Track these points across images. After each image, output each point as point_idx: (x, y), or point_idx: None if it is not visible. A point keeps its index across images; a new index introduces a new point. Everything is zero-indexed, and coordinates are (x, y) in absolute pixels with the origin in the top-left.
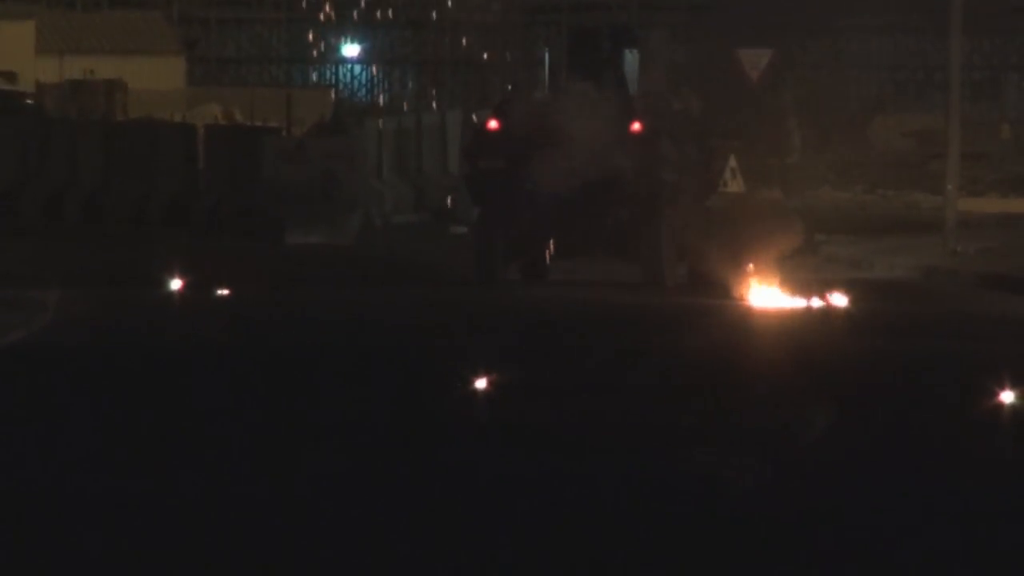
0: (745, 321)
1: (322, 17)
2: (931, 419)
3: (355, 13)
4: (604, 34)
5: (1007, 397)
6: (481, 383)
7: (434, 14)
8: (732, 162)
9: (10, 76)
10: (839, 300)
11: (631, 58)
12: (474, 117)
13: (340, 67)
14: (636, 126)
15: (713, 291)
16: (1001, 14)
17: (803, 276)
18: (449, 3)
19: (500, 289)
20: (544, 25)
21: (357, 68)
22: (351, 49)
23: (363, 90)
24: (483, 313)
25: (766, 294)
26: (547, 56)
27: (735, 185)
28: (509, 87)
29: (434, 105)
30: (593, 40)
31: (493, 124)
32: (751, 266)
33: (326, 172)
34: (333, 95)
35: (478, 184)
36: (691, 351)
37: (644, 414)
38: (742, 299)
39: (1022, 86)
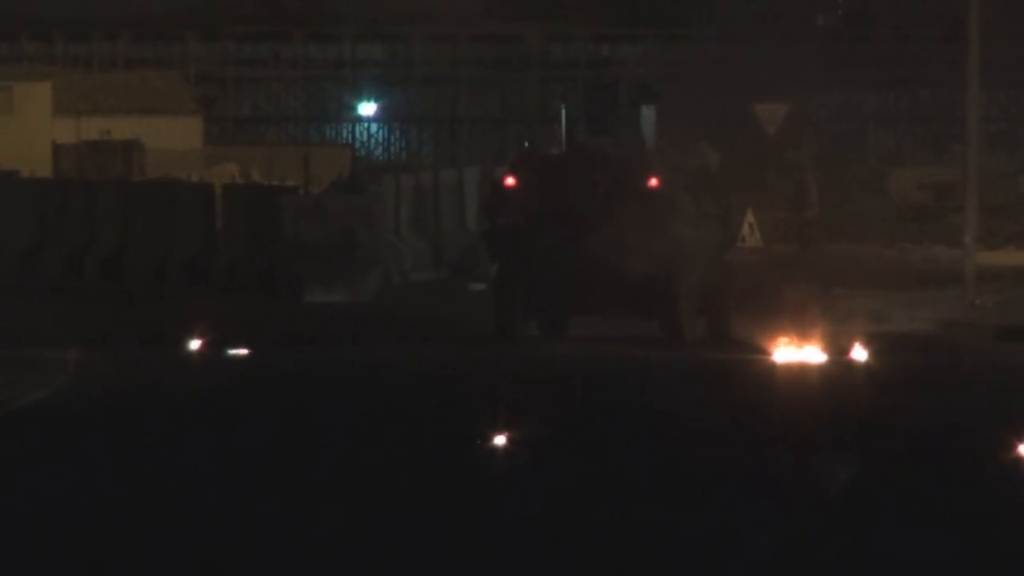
0: (765, 377)
1: (338, 75)
2: (957, 472)
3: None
4: (621, 90)
5: None
6: (502, 439)
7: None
8: (750, 217)
9: None
10: (860, 354)
11: (648, 113)
12: (492, 174)
13: (357, 125)
14: (654, 181)
15: (732, 347)
16: (1017, 65)
17: (823, 330)
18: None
19: (520, 346)
20: (560, 81)
21: (374, 126)
22: (368, 107)
23: (380, 148)
24: (504, 370)
25: (787, 350)
26: (564, 112)
27: (753, 240)
28: (526, 144)
29: (452, 162)
30: (610, 96)
31: (510, 181)
32: (771, 321)
33: (345, 230)
34: (350, 153)
35: (496, 241)
36: (715, 407)
37: (673, 468)
38: (762, 355)
39: None
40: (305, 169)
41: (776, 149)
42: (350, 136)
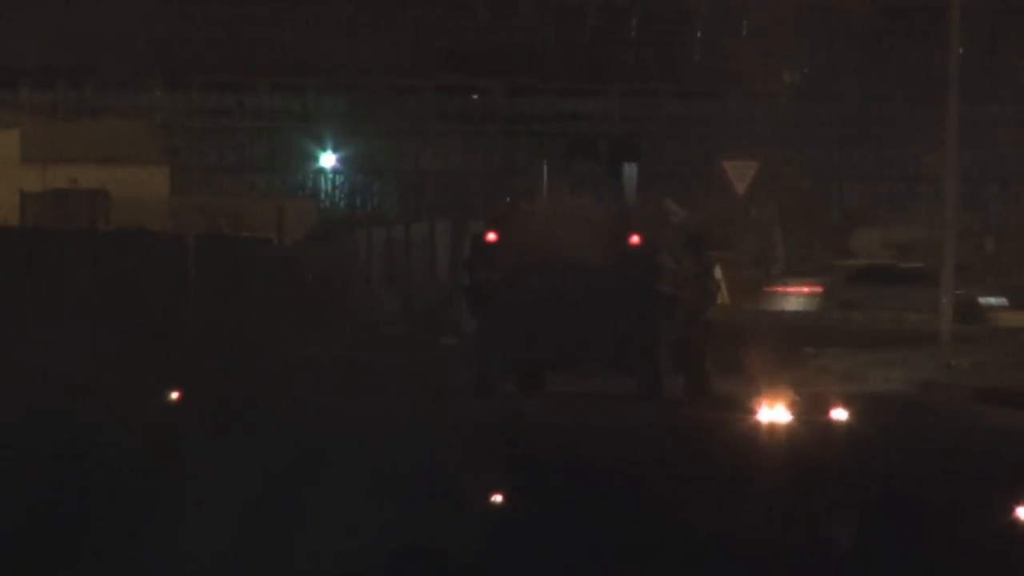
0: (748, 436)
1: (302, 127)
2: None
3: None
4: (603, 145)
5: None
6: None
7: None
8: (718, 273)
9: None
10: (840, 415)
11: (629, 170)
12: (468, 228)
13: (322, 176)
14: (634, 239)
15: (711, 404)
16: (977, 126)
17: (799, 389)
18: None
19: (499, 401)
20: (525, 135)
21: (339, 177)
22: (328, 158)
23: (343, 199)
24: (484, 426)
25: (765, 408)
26: (545, 167)
27: (720, 297)
28: (507, 199)
29: (416, 214)
30: (593, 151)
31: (491, 236)
32: (746, 379)
33: (317, 282)
34: (315, 205)
35: (476, 296)
36: (691, 465)
37: (656, 531)
38: (740, 413)
39: (1003, 198)
40: (280, 221)
41: (743, 207)
42: (313, 187)
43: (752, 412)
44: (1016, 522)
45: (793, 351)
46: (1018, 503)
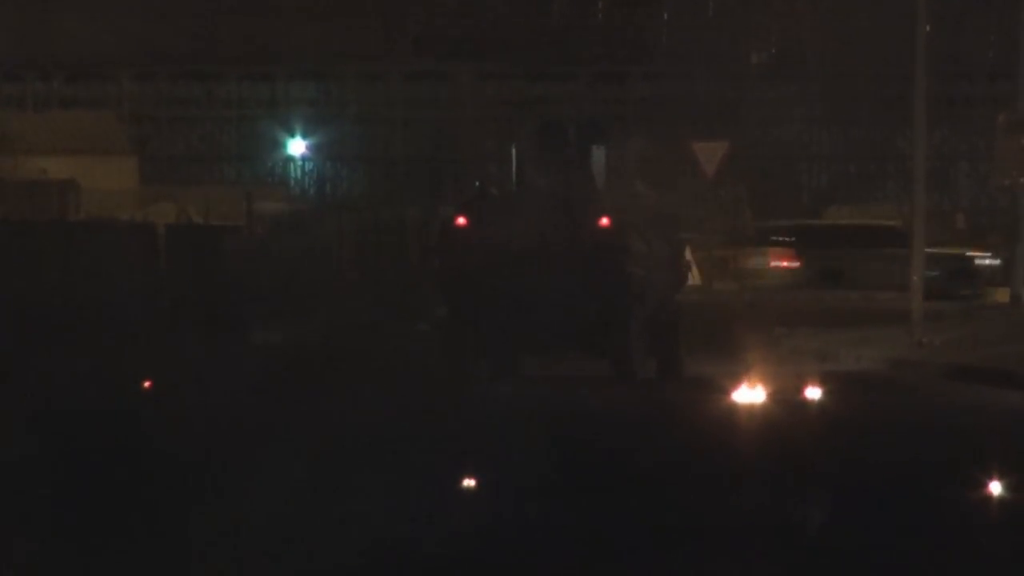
0: (720, 416)
1: (272, 114)
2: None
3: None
4: (572, 129)
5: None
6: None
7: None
8: (688, 255)
9: None
10: (813, 393)
11: (598, 153)
12: (438, 213)
13: (292, 164)
14: (604, 221)
15: (684, 386)
16: (950, 105)
17: (772, 369)
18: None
19: (471, 385)
20: (495, 120)
21: (308, 164)
22: (297, 145)
23: (313, 187)
24: (459, 411)
25: (741, 388)
26: (514, 151)
27: (691, 278)
28: (476, 183)
29: (386, 200)
30: (561, 135)
31: (461, 221)
32: (718, 360)
33: (289, 270)
34: (283, 193)
35: (447, 281)
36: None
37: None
38: (715, 394)
39: (972, 176)
40: (248, 209)
41: (713, 188)
42: (283, 175)
43: (726, 393)
44: (987, 497)
45: (765, 331)
46: (986, 478)
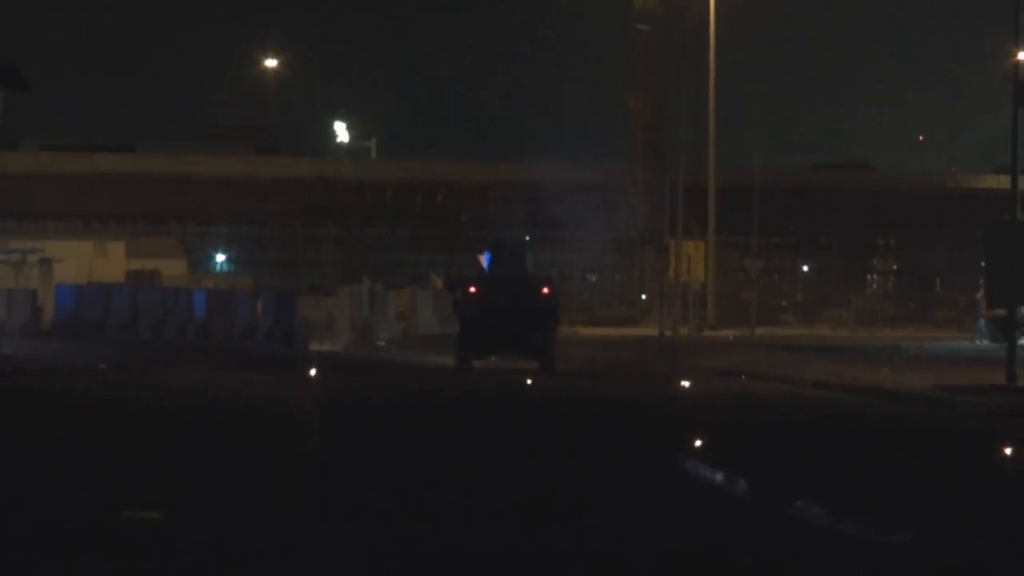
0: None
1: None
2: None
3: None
4: (513, 245)
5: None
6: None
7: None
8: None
9: None
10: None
11: (530, 256)
12: (450, 283)
13: None
14: (545, 290)
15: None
16: None
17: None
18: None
19: (474, 372)
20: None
21: None
22: None
23: None
24: (471, 386)
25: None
26: (488, 254)
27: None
28: (451, 271)
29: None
30: (508, 247)
31: (472, 288)
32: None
33: (329, 315)
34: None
35: (463, 318)
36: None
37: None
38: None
39: None
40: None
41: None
42: None
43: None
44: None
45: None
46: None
